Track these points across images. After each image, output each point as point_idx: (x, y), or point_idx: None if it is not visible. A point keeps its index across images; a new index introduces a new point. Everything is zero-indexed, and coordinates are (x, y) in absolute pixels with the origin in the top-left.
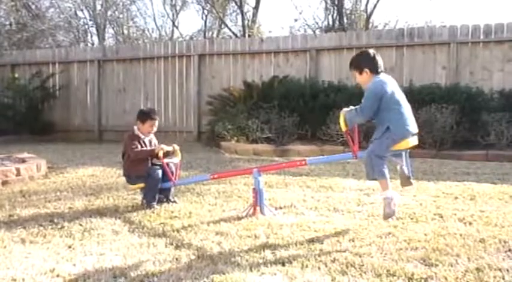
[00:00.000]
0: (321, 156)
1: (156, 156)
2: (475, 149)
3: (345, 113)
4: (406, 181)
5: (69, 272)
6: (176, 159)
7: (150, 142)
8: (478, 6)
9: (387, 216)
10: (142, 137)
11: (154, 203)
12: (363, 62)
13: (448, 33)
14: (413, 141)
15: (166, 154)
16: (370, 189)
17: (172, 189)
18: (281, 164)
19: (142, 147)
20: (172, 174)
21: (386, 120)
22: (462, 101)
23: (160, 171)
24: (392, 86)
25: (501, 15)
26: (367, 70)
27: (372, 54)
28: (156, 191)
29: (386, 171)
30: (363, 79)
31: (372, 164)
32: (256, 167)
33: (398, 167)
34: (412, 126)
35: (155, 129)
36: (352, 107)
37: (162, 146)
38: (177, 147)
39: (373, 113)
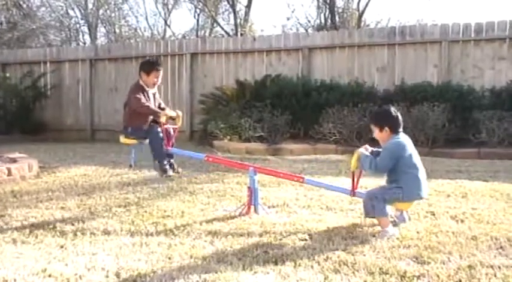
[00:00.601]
0: (320, 181)
1: (158, 119)
2: (466, 147)
3: (360, 154)
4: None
5: (61, 272)
6: (175, 126)
7: (154, 95)
8: (469, 4)
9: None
10: (147, 89)
11: (167, 165)
12: (386, 120)
13: (440, 32)
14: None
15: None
16: (363, 187)
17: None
18: (278, 172)
19: (146, 99)
20: (169, 141)
21: (400, 181)
22: (454, 99)
23: (160, 130)
24: (410, 148)
25: (492, 13)
26: (387, 129)
27: (394, 114)
28: (163, 148)
29: (386, 210)
30: (382, 137)
31: (372, 203)
32: (253, 165)
33: (392, 215)
34: (424, 191)
35: (160, 80)
36: (368, 147)
37: (166, 111)
38: (180, 113)
39: (387, 171)
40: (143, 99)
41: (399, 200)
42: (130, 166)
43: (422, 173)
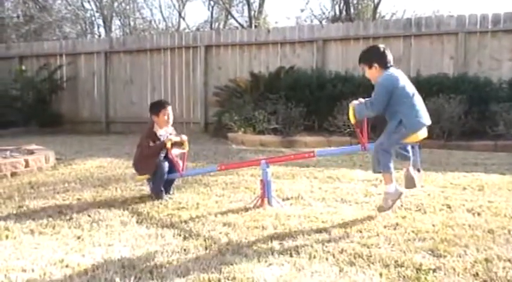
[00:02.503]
0: (330, 148)
1: (164, 146)
2: (483, 139)
3: (354, 105)
4: (410, 183)
5: (78, 263)
6: (183, 150)
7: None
8: None
9: (381, 209)
10: (159, 133)
11: (163, 193)
12: (373, 56)
13: (456, 23)
14: (423, 133)
15: (174, 145)
16: (378, 180)
17: (175, 182)
18: (289, 155)
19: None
20: (179, 165)
21: (398, 113)
22: (470, 91)
23: (167, 164)
24: (402, 80)
25: (510, 4)
26: (376, 65)
27: (381, 49)
28: (163, 182)
29: (391, 165)
30: (373, 74)
31: (378, 157)
32: (264, 158)
33: (404, 170)
34: (425, 117)
35: (171, 118)
36: (361, 99)
37: (171, 136)
38: (185, 137)
39: (384, 108)
40: (152, 146)
41: (405, 135)
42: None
43: (419, 101)
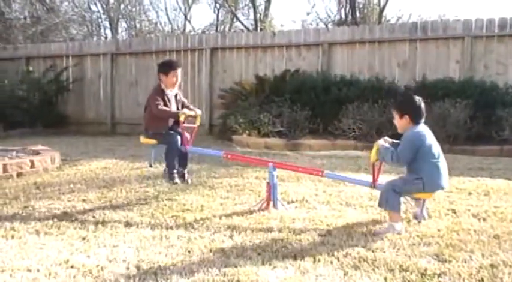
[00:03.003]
0: (340, 174)
1: (178, 119)
2: (489, 144)
3: (379, 146)
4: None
5: (83, 263)
6: (194, 125)
7: (176, 96)
8: None
9: (377, 233)
10: (167, 92)
11: (175, 174)
12: (407, 108)
13: (462, 27)
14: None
15: (186, 118)
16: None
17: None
18: (297, 167)
19: (166, 102)
20: (187, 139)
21: (421, 171)
22: (476, 96)
23: (179, 138)
24: (430, 138)
25: None
26: (408, 117)
27: (417, 103)
28: (175, 158)
29: (400, 206)
30: (402, 124)
31: (387, 196)
32: (272, 161)
33: (412, 211)
34: (445, 181)
35: (180, 79)
36: (387, 138)
37: (185, 110)
38: (199, 112)
39: (408, 162)
40: (162, 104)
41: (420, 190)
42: (150, 166)
43: (443, 163)
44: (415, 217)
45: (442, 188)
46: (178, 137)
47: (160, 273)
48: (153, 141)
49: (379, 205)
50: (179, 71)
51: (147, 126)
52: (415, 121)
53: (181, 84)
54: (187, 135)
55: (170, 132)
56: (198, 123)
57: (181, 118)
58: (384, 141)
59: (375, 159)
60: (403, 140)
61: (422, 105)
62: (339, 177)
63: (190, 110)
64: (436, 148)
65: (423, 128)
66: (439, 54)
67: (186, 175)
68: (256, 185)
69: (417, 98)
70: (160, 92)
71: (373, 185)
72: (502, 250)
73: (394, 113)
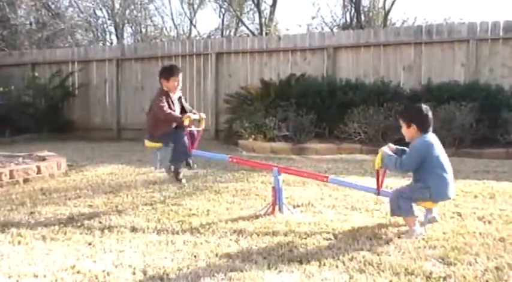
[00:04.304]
0: (345, 180)
1: (182, 123)
2: (494, 147)
3: (384, 154)
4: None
5: (89, 269)
6: (198, 128)
7: (180, 99)
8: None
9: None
10: (171, 94)
11: (181, 174)
12: (413, 117)
13: (467, 30)
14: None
15: (191, 122)
16: (388, 187)
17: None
18: (302, 172)
19: (170, 105)
20: (193, 143)
21: (427, 180)
22: (481, 99)
23: (186, 140)
24: (437, 148)
25: None
26: (415, 126)
27: (424, 112)
28: (183, 156)
29: (413, 209)
30: (409, 133)
31: (398, 203)
32: (277, 165)
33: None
34: (451, 192)
35: (181, 84)
36: (392, 145)
37: (189, 114)
38: (203, 115)
39: (412, 170)
40: (166, 107)
41: (426, 199)
42: (156, 168)
43: (450, 173)
44: (421, 224)
45: (448, 198)
46: (186, 140)
47: (166, 278)
48: (158, 144)
49: (392, 214)
50: (180, 76)
51: (152, 131)
52: (423, 130)
53: (186, 87)
54: (192, 138)
55: (177, 131)
56: (202, 126)
57: (186, 122)
58: (388, 148)
59: (379, 166)
60: (410, 148)
61: (430, 113)
62: (344, 183)
63: (194, 114)
64: (444, 158)
65: (431, 137)
66: (444, 58)
67: (191, 162)
68: (262, 189)
69: (424, 107)
70: (164, 95)
71: (377, 192)
72: (507, 253)
73: (401, 122)
